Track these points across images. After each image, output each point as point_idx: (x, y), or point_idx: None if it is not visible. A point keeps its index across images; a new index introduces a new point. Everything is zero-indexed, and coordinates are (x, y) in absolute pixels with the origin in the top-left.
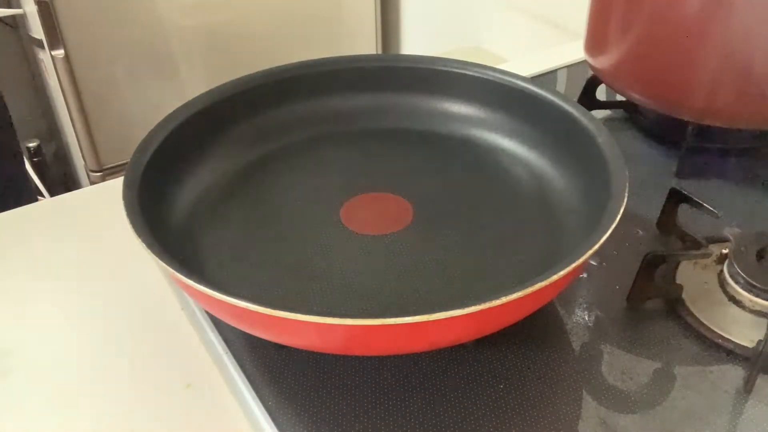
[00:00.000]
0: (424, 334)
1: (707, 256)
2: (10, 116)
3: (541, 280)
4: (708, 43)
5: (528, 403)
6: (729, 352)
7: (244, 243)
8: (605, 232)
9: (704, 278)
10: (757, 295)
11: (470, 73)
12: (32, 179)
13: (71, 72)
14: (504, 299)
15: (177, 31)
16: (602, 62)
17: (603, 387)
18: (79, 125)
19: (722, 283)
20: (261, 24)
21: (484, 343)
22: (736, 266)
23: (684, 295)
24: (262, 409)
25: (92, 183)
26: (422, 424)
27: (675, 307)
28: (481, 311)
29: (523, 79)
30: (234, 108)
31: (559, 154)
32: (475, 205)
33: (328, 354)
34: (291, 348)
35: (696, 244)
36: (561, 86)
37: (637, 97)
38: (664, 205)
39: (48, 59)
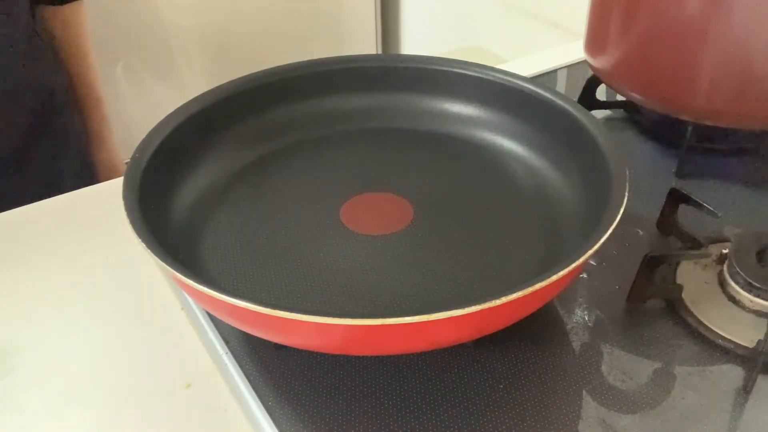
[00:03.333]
0: (424, 334)
1: (707, 256)
2: None
3: (541, 280)
4: (708, 43)
5: (528, 403)
6: (729, 352)
7: (244, 243)
8: (605, 232)
9: (704, 278)
10: (757, 295)
11: (470, 73)
12: None
13: None
14: (504, 299)
15: (177, 31)
16: (602, 62)
17: (603, 387)
18: None
19: (722, 283)
20: (261, 24)
21: (484, 343)
22: (736, 266)
23: (684, 295)
24: (262, 409)
25: None
26: (422, 424)
27: (675, 307)
28: (481, 311)
29: (523, 79)
30: (234, 108)
31: (559, 154)
32: (475, 205)
33: (328, 354)
34: (291, 348)
35: (696, 244)
36: (561, 86)
37: (637, 97)
38: (664, 205)
39: None
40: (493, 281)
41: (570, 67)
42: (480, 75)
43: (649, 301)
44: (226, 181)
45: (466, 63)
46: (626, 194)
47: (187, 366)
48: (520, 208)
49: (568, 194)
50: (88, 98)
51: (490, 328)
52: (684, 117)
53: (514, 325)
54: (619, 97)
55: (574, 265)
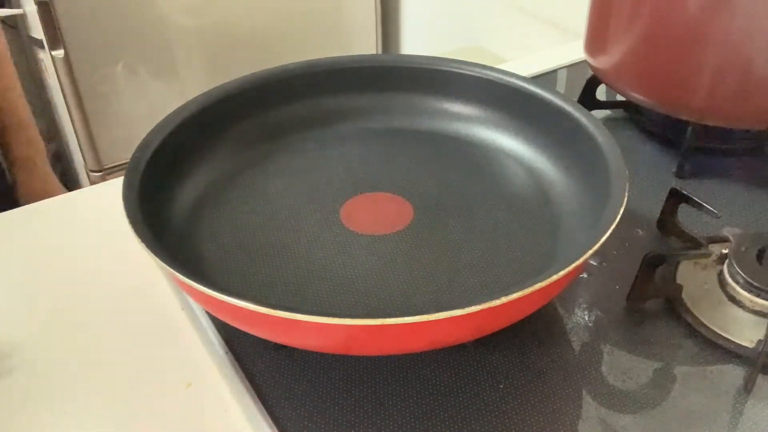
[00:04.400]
0: (424, 334)
1: (707, 256)
2: None
3: (541, 280)
4: (708, 43)
5: (528, 403)
6: (729, 352)
7: (244, 243)
8: (605, 232)
9: (704, 278)
10: (757, 295)
11: (470, 73)
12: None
13: (71, 72)
14: (504, 299)
15: (177, 31)
16: (602, 62)
17: (603, 387)
18: (79, 125)
19: (722, 283)
20: (261, 24)
21: (484, 343)
22: (736, 266)
23: (684, 295)
24: (262, 409)
25: (92, 183)
26: (422, 424)
27: (675, 307)
28: (481, 311)
29: (523, 79)
30: (234, 108)
31: (559, 154)
32: (474, 206)
33: (328, 354)
34: (291, 348)
35: (696, 244)
36: (561, 86)
37: (637, 97)
38: (664, 205)
39: (48, 59)
40: (493, 281)
41: (570, 67)
42: (480, 75)
43: (649, 301)
44: (226, 181)
45: (465, 63)
46: (626, 194)
47: (187, 366)
48: (519, 208)
49: (568, 194)
50: (11, 123)
51: (490, 328)
52: (684, 117)
53: (514, 325)
54: (619, 97)
55: (574, 265)
